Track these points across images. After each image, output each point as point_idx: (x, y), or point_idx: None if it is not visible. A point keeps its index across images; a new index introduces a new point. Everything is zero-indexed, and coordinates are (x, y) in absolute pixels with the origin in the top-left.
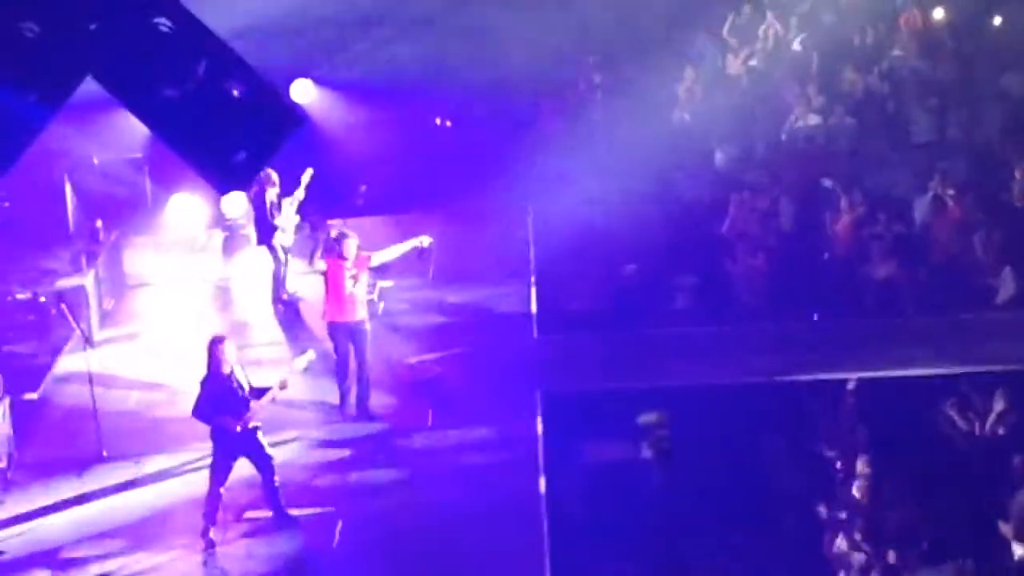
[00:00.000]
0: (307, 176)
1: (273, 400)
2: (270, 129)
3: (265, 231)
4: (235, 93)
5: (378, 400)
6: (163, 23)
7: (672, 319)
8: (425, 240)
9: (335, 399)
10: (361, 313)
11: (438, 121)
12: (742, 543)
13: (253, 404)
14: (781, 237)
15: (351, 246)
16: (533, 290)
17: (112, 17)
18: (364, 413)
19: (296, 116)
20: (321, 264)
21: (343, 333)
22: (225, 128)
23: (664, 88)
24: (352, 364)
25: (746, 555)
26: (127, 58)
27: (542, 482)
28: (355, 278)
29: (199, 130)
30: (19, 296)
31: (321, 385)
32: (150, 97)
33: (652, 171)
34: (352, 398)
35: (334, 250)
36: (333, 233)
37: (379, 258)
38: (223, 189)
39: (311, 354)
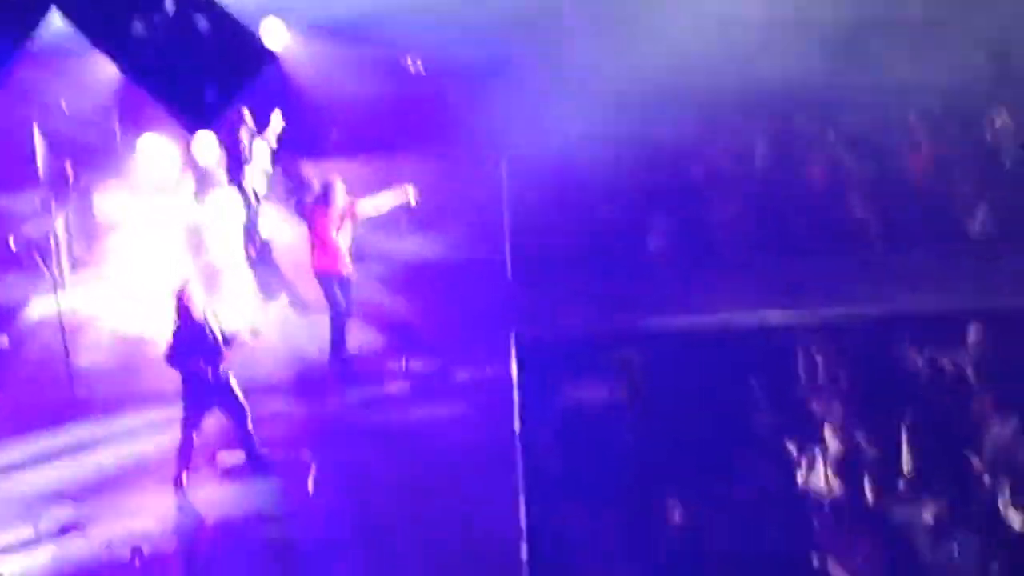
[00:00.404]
0: (276, 118)
1: (245, 346)
2: (239, 66)
3: (237, 174)
4: (203, 29)
5: (353, 344)
6: None
7: (648, 262)
8: (412, 194)
9: (310, 346)
10: (348, 263)
11: (409, 62)
12: (717, 485)
13: (225, 350)
14: (756, 178)
15: (339, 193)
16: (507, 233)
17: None
18: (343, 362)
19: (265, 53)
20: (305, 216)
21: (332, 283)
22: (194, 64)
23: (641, 29)
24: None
25: (722, 497)
26: None
27: (517, 425)
28: (341, 226)
29: (167, 67)
30: None
31: (295, 331)
32: (117, 33)
33: (627, 113)
34: (337, 347)
35: (321, 198)
36: (316, 184)
37: (366, 209)
38: (192, 127)
39: (282, 298)
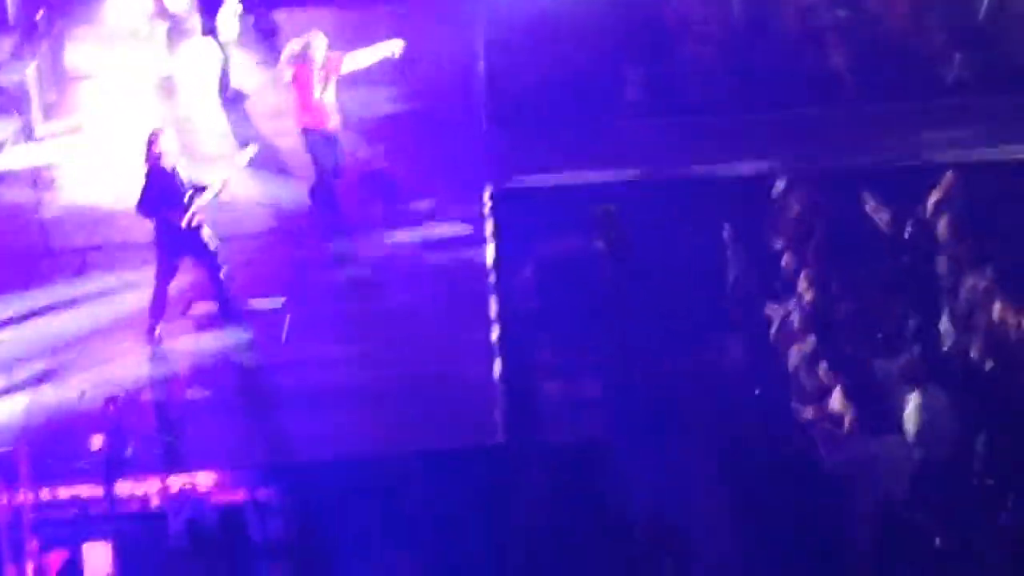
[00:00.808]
0: None
1: (216, 196)
2: None
3: (210, 21)
4: None
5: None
6: None
7: (623, 110)
8: (397, 48)
9: (283, 194)
10: (334, 120)
11: None
12: (691, 333)
13: (196, 200)
14: (729, 26)
15: (320, 48)
16: (483, 81)
17: None
18: (330, 217)
19: None
20: (288, 73)
21: (318, 139)
22: None
23: None
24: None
25: (695, 343)
26: None
27: (492, 276)
28: (324, 82)
29: None
30: None
31: (267, 183)
32: None
33: None
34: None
35: (302, 55)
36: (298, 41)
37: (350, 64)
38: None
39: (253, 148)
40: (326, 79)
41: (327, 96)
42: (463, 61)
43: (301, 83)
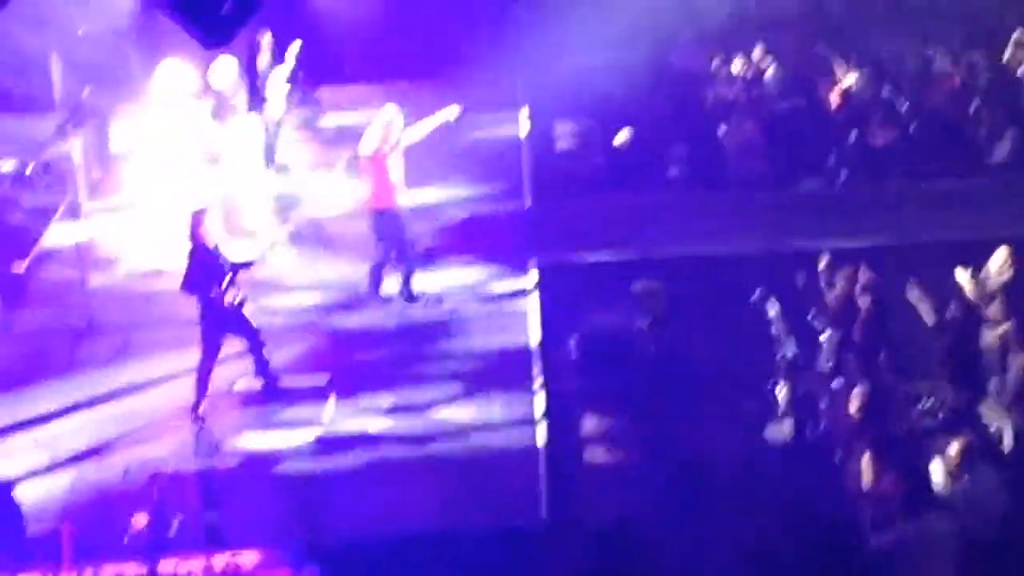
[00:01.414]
0: (295, 47)
1: (261, 272)
2: None
3: (256, 98)
4: None
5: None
6: None
7: (666, 187)
8: (453, 114)
9: (328, 273)
10: (400, 197)
11: None
12: (734, 410)
13: (240, 277)
14: (771, 105)
15: (398, 125)
16: (527, 157)
17: None
18: (410, 293)
19: None
20: (369, 151)
21: (388, 219)
22: None
23: None
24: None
25: (738, 420)
26: None
27: (536, 351)
28: (391, 157)
29: None
30: (5, 167)
31: (311, 259)
32: None
33: (644, 38)
34: (398, 281)
35: (382, 133)
36: (379, 122)
37: (409, 137)
38: (209, 43)
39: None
40: (393, 154)
41: (396, 171)
42: (507, 136)
43: (378, 162)
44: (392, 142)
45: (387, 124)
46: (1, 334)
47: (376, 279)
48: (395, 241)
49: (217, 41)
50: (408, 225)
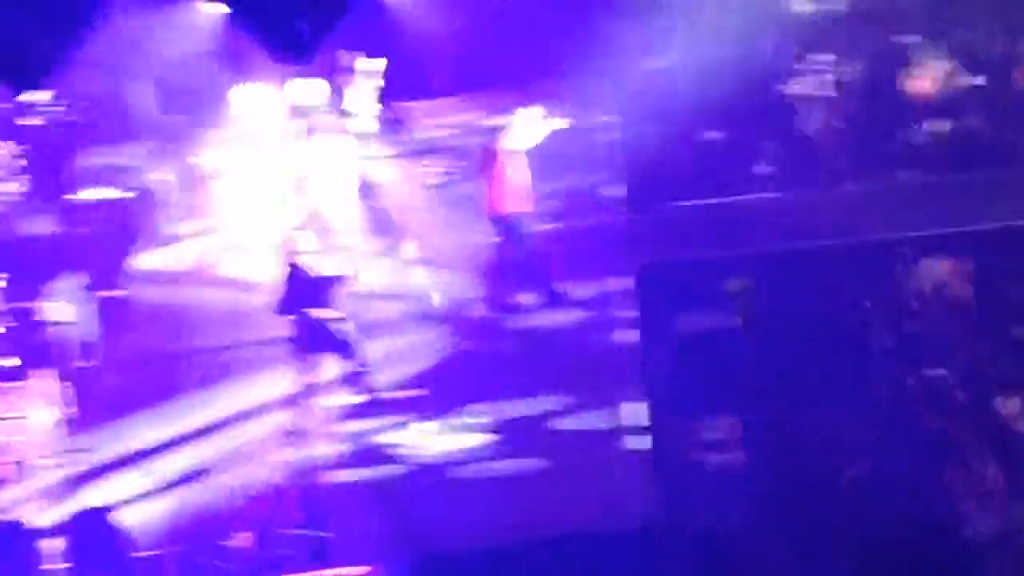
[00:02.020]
0: (381, 65)
1: (355, 289)
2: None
3: (343, 116)
4: None
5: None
6: None
7: (756, 184)
8: (560, 122)
9: (421, 284)
10: (527, 203)
11: None
12: (837, 407)
13: (334, 295)
14: (856, 96)
15: (516, 127)
16: (621, 160)
17: None
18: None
19: None
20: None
21: (511, 225)
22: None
23: None
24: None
25: (841, 418)
26: None
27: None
28: (513, 165)
29: (264, 3)
30: (99, 195)
31: (403, 274)
32: None
33: (728, 35)
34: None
35: (494, 137)
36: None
37: (526, 143)
38: (292, 63)
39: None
40: (514, 163)
41: (520, 176)
42: (600, 141)
43: (494, 166)
44: (524, 144)
45: (526, 125)
46: (103, 360)
47: (502, 286)
48: (520, 247)
49: (299, 60)
50: (532, 231)
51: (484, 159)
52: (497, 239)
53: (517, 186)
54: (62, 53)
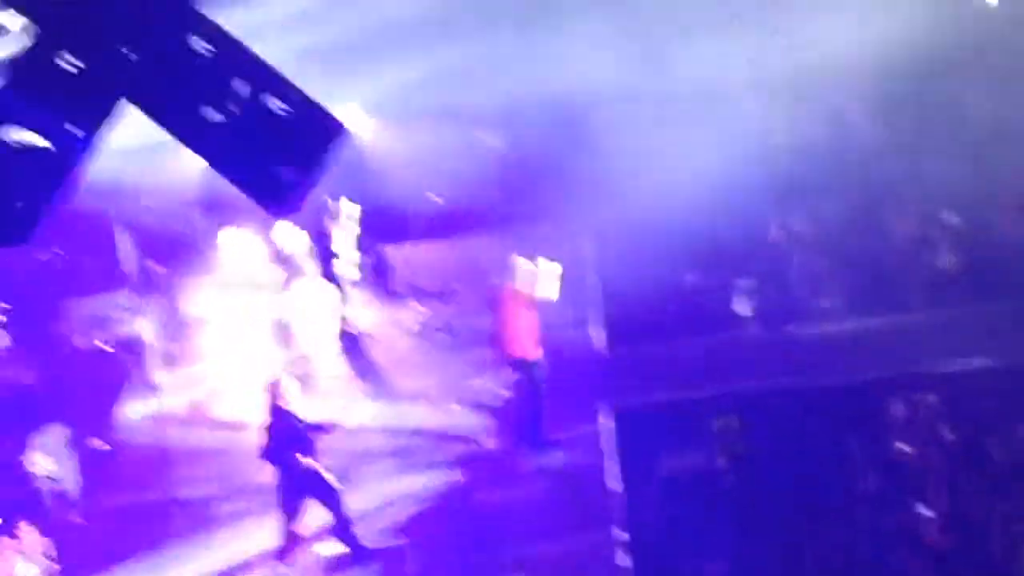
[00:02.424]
0: (356, 211)
1: (338, 435)
2: (316, 143)
3: (326, 262)
4: (277, 110)
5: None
6: (200, 44)
7: (735, 323)
8: (558, 271)
9: (403, 429)
10: (538, 347)
11: (487, 139)
12: (821, 543)
13: (318, 441)
14: (833, 235)
15: (523, 273)
16: (599, 298)
17: (148, 42)
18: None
19: (340, 129)
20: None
21: (525, 368)
22: (270, 145)
23: (718, 88)
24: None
25: (829, 556)
26: (166, 82)
27: (616, 493)
28: (528, 308)
29: (244, 150)
30: (79, 344)
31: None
32: (191, 120)
33: (708, 174)
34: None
35: (504, 282)
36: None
37: (541, 290)
38: (273, 210)
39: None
40: (529, 306)
41: (530, 321)
42: (576, 279)
43: (508, 311)
44: (537, 292)
45: (540, 272)
46: (86, 512)
47: (520, 426)
48: (531, 391)
49: (283, 209)
50: (540, 374)
51: (495, 301)
52: (512, 381)
53: (530, 330)
54: (47, 205)
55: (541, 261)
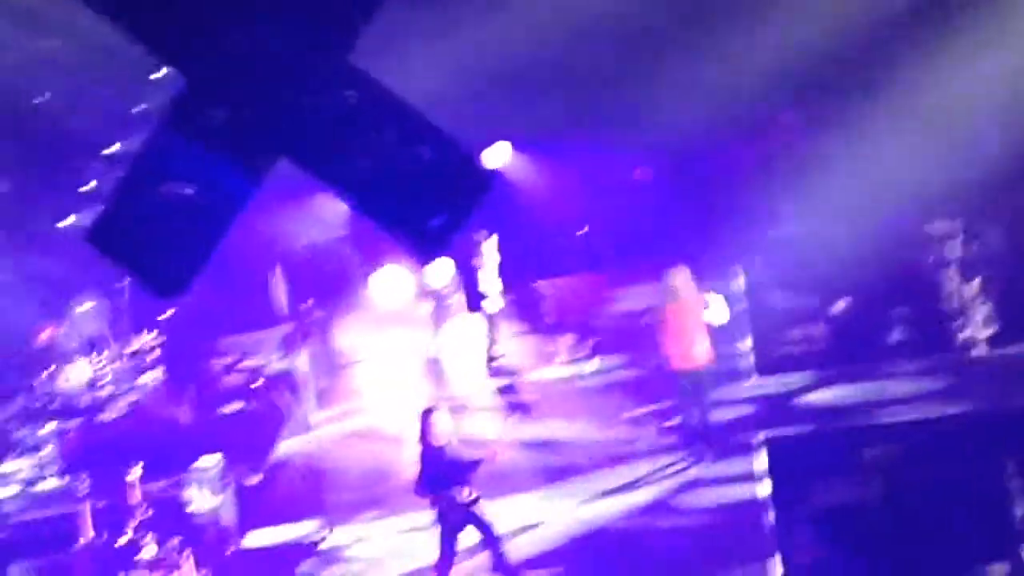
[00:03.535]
0: (494, 242)
1: (492, 467)
2: (464, 192)
3: (475, 297)
4: (426, 158)
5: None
6: (350, 95)
7: (890, 352)
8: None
9: (556, 460)
10: (710, 353)
11: (636, 173)
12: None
13: (472, 475)
14: (991, 261)
15: (685, 283)
16: (749, 333)
17: (300, 95)
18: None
19: (488, 177)
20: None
21: (692, 378)
22: (419, 194)
23: (867, 119)
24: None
25: None
26: (317, 134)
27: (769, 528)
28: (695, 315)
29: (394, 198)
30: (235, 382)
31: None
32: (343, 170)
33: (858, 205)
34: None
35: (669, 294)
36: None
37: (712, 313)
38: (422, 256)
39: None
40: (696, 313)
41: (700, 328)
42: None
43: (674, 321)
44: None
45: (683, 283)
46: (236, 547)
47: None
48: (698, 402)
49: (430, 254)
50: (708, 384)
51: (658, 320)
52: (678, 392)
53: (697, 335)
54: (205, 258)
55: (709, 293)
